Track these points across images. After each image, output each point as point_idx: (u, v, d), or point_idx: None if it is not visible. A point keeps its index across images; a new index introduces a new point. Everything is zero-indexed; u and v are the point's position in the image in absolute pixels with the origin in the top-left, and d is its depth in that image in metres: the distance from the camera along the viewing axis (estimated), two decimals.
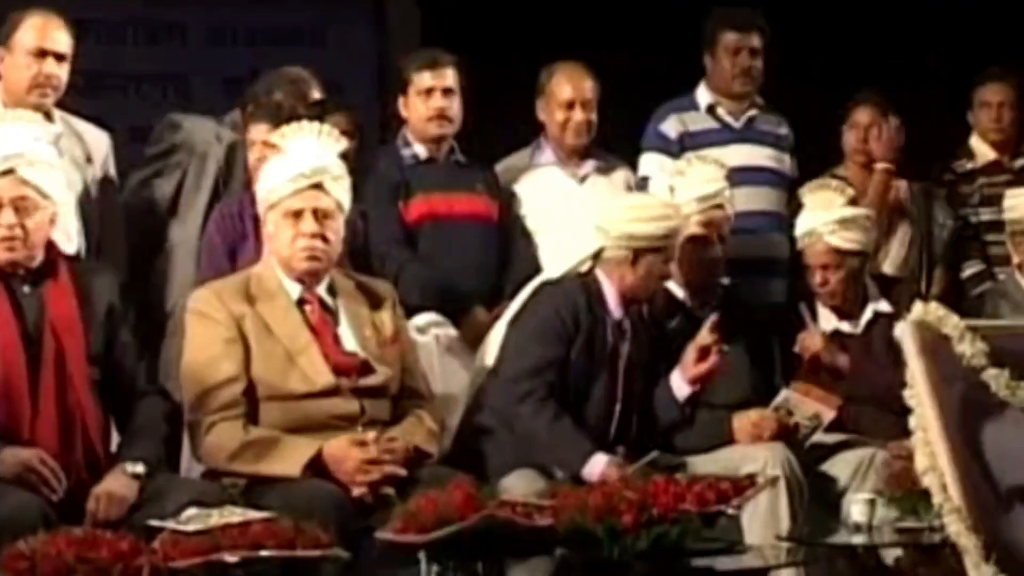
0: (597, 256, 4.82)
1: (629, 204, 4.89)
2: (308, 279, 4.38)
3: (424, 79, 5.32)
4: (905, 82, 6.30)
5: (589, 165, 5.53)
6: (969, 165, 6.11)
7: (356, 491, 4.14)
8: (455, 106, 5.33)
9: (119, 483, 3.99)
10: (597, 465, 4.52)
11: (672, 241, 4.81)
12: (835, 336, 5.22)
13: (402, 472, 4.18)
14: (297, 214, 4.32)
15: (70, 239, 4.76)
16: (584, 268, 4.86)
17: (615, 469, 4.46)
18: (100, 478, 4.00)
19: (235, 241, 4.98)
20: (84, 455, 4.02)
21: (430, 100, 5.31)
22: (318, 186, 4.33)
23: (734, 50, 5.63)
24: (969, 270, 5.98)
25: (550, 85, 5.49)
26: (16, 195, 4.07)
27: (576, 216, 5.23)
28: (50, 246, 4.20)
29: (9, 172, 4.08)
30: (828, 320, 5.26)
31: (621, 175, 5.59)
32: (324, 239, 4.33)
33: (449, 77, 5.32)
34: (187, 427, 4.32)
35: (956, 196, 6.03)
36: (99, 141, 5.08)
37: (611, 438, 4.73)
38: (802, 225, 5.24)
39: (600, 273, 4.80)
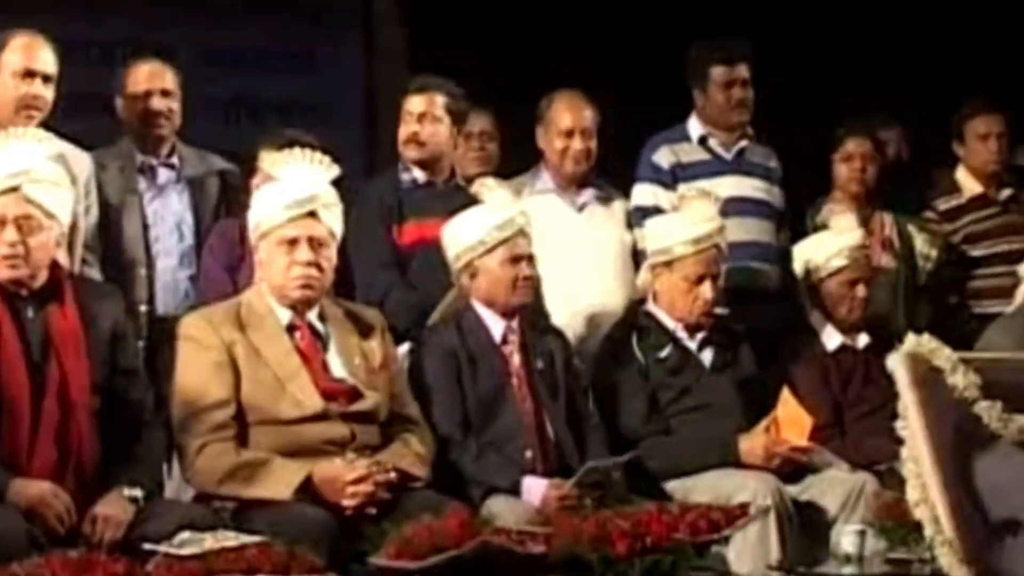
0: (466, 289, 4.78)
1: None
2: (300, 307, 4.38)
3: (405, 104, 5.37)
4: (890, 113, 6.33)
5: (587, 194, 5.54)
6: (953, 202, 6.08)
7: (347, 502, 4.12)
8: (428, 131, 5.33)
9: (116, 506, 3.95)
10: (534, 491, 4.49)
11: (503, 236, 4.71)
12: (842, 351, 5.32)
13: (393, 477, 4.18)
14: (292, 242, 4.33)
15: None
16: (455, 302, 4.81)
17: (554, 491, 4.44)
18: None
19: (232, 262, 4.96)
20: (76, 485, 3.97)
21: (406, 125, 5.35)
22: (312, 214, 4.35)
23: (725, 84, 5.59)
24: (953, 302, 6.00)
25: (549, 113, 5.49)
26: (20, 213, 4.04)
27: (573, 244, 5.29)
28: (55, 267, 4.17)
29: (14, 190, 4.06)
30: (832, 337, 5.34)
31: (619, 205, 5.59)
32: (319, 267, 4.35)
33: (421, 103, 5.34)
34: (177, 450, 4.30)
35: (938, 234, 5.99)
36: (82, 162, 5.06)
37: (542, 453, 4.64)
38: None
39: (472, 301, 4.77)
